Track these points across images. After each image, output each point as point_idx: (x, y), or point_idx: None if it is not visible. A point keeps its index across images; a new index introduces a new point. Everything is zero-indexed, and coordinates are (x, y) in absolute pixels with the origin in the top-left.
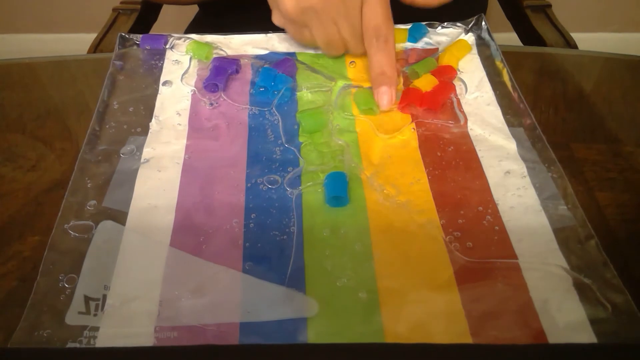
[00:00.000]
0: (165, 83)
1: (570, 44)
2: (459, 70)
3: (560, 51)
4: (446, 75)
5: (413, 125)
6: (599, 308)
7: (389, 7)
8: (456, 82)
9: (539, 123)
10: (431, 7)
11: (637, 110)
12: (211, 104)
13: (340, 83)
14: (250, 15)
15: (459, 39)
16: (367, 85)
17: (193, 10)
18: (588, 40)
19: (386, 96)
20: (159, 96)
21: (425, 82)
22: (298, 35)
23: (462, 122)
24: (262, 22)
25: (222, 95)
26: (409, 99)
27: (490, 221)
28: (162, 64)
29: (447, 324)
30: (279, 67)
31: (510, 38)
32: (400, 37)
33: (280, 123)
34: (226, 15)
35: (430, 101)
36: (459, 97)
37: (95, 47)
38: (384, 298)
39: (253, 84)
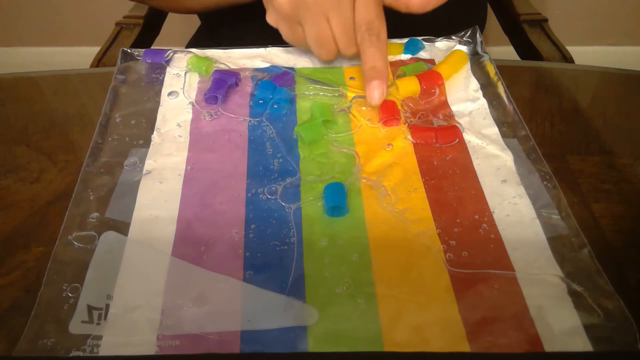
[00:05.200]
0: (170, 94)
1: (566, 57)
2: (452, 83)
3: (556, 65)
4: (431, 81)
5: (408, 133)
6: (593, 314)
7: (381, 4)
8: (451, 93)
9: (535, 135)
10: (424, 12)
11: (631, 124)
12: (211, 116)
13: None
14: (251, 26)
15: (456, 49)
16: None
17: (195, 24)
18: (584, 54)
19: (377, 90)
20: (160, 109)
21: (406, 83)
22: (291, 34)
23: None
24: (263, 32)
25: (220, 109)
26: (389, 112)
27: (486, 229)
28: (164, 77)
29: (444, 330)
30: (277, 81)
31: (508, 52)
32: (396, 50)
33: (275, 135)
34: (228, 27)
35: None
36: (453, 108)
37: (98, 61)
38: (382, 305)
39: (252, 96)
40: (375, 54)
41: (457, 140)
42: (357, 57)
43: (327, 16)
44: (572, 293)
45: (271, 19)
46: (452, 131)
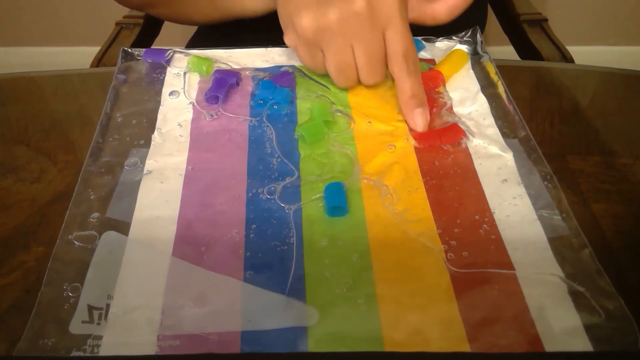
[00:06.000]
0: (171, 94)
1: (566, 57)
2: (452, 84)
3: (556, 65)
4: (432, 81)
5: (409, 136)
6: (593, 315)
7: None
8: (451, 93)
9: (536, 135)
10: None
11: (631, 124)
12: (211, 116)
13: (334, 89)
14: (251, 27)
15: (456, 49)
16: (363, 98)
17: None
18: (584, 54)
19: (421, 117)
20: (161, 108)
21: None
22: (310, 59)
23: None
24: (263, 33)
25: (220, 109)
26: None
27: (487, 230)
28: (164, 77)
29: (445, 330)
30: (278, 81)
31: (508, 52)
32: None
33: (274, 135)
34: (227, 27)
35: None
36: (454, 108)
37: (99, 61)
38: (382, 305)
39: (253, 95)
40: (415, 82)
41: (463, 138)
42: None
43: (351, 44)
44: (573, 293)
45: (290, 41)
46: (454, 130)
